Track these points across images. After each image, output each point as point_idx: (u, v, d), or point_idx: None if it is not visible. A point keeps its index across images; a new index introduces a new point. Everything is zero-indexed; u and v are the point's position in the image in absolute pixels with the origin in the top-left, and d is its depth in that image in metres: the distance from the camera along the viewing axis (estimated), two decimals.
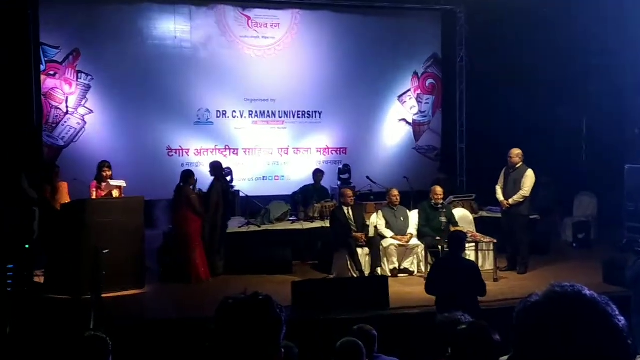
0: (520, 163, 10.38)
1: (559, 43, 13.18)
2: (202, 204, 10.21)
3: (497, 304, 8.16)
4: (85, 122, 12.54)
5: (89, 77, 12.54)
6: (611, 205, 12.69)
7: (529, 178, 10.29)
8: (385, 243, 10.27)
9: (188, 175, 10.26)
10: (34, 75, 12.14)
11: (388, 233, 10.44)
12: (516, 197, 10.27)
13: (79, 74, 12.50)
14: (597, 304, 1.66)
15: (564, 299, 1.68)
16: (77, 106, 12.50)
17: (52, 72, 12.36)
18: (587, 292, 1.69)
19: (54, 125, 12.37)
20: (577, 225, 12.76)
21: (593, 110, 13.52)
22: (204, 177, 10.99)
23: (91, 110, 12.57)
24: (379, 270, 10.09)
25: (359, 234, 10.28)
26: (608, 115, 13.17)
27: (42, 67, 12.26)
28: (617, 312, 1.66)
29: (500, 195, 10.49)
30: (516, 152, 10.41)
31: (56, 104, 12.38)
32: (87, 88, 12.55)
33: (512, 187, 10.37)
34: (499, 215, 10.92)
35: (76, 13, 12.45)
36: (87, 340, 4.22)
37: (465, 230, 9.57)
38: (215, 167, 10.78)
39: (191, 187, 10.28)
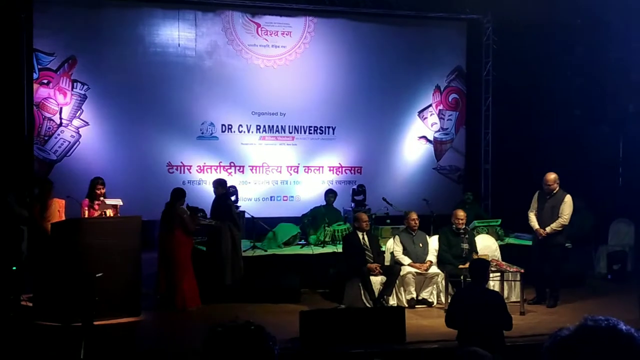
0: (558, 188, 10.20)
1: (595, 56, 13.11)
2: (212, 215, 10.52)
3: (524, 340, 8.08)
4: (80, 135, 12.57)
5: (85, 87, 12.60)
6: None
7: (568, 205, 10.10)
8: (402, 271, 10.23)
9: (180, 194, 10.23)
10: (25, 84, 12.15)
11: (405, 260, 10.39)
12: (555, 226, 10.06)
13: (75, 83, 12.55)
14: (634, 339, 1.65)
15: (597, 333, 1.66)
16: (72, 118, 12.54)
17: (45, 81, 12.40)
18: (622, 326, 1.68)
19: (46, 138, 12.40)
20: (613, 255, 12.64)
21: (631, 130, 13.44)
22: (207, 196, 10.99)
23: (87, 122, 12.61)
24: (390, 300, 10.05)
25: (373, 265, 10.17)
26: None
27: (35, 75, 12.29)
28: None
29: (535, 223, 10.24)
30: (552, 177, 10.19)
31: (49, 115, 12.42)
32: (83, 98, 12.60)
33: (549, 214, 10.16)
34: (527, 242, 10.83)
35: (73, 18, 12.53)
36: None
37: (489, 258, 9.55)
38: (221, 184, 10.80)
39: (182, 206, 10.24)
